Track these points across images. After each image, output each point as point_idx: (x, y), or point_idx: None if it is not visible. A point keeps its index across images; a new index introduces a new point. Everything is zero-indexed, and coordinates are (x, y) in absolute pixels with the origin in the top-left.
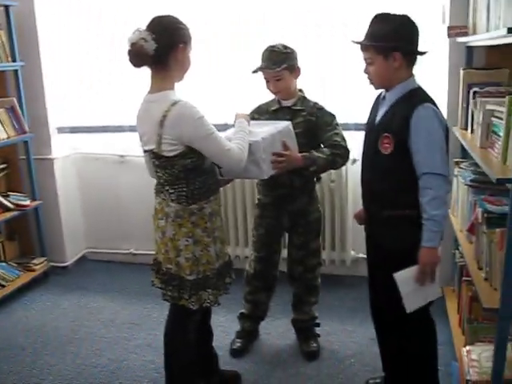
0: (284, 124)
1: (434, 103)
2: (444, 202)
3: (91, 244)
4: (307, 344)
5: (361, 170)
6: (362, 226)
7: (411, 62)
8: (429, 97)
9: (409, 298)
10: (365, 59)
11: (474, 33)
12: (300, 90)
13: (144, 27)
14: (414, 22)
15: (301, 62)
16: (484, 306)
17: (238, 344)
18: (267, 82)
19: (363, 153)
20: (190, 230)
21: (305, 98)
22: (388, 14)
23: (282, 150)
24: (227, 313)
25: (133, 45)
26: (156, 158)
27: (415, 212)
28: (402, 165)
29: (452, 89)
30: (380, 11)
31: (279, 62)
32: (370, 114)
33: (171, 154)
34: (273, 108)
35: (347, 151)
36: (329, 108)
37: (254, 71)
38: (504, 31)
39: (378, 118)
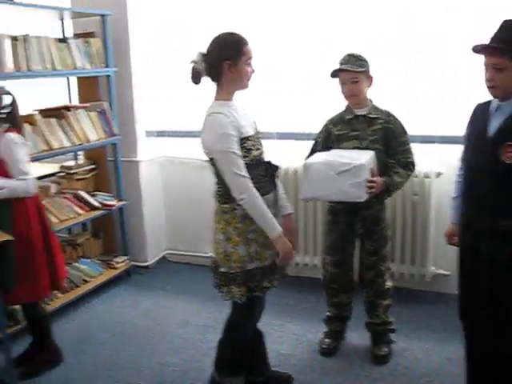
0: (369, 152)
1: None
2: None
3: (172, 246)
4: (378, 348)
5: (467, 182)
6: (442, 241)
7: None
8: None
9: None
10: (491, 64)
11: None
12: (370, 100)
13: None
14: None
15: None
16: None
17: (327, 344)
18: (343, 84)
19: (470, 165)
20: (223, 227)
21: (376, 106)
22: None
23: (371, 177)
24: (301, 322)
25: (191, 64)
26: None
27: None
28: None
29: None
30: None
31: (358, 65)
32: (474, 125)
33: (208, 156)
34: (348, 117)
35: (414, 167)
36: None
37: (336, 71)
38: None
39: (494, 128)
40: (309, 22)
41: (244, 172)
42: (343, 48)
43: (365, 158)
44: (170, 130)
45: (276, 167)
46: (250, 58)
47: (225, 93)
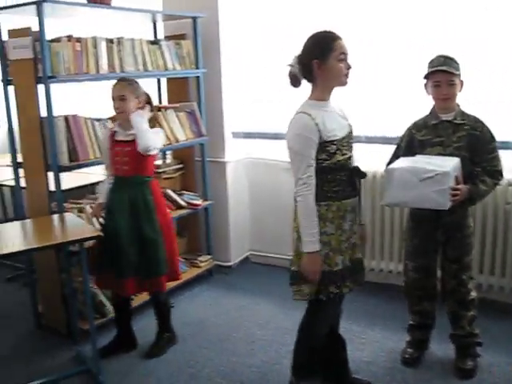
0: (455, 159)
1: None
2: None
3: (255, 247)
4: (462, 361)
5: None
6: None
7: None
8: None
9: None
10: None
11: None
12: (457, 105)
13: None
14: None
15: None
16: None
17: (409, 353)
18: (436, 86)
19: None
20: (296, 226)
21: (463, 112)
22: None
23: (456, 184)
24: (384, 330)
25: (287, 67)
26: None
27: None
28: None
29: None
30: None
31: (455, 68)
32: None
33: None
34: (433, 122)
35: (502, 176)
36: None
37: (431, 72)
38: None
39: None
40: (394, 26)
41: (306, 177)
42: (433, 50)
43: (450, 164)
44: (256, 132)
45: (363, 174)
46: (343, 54)
47: (318, 92)
